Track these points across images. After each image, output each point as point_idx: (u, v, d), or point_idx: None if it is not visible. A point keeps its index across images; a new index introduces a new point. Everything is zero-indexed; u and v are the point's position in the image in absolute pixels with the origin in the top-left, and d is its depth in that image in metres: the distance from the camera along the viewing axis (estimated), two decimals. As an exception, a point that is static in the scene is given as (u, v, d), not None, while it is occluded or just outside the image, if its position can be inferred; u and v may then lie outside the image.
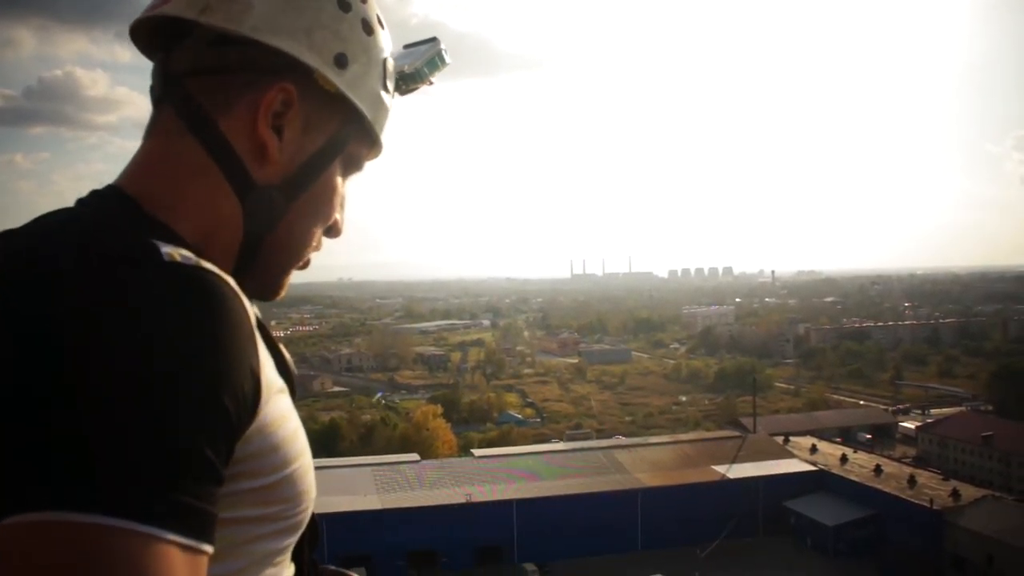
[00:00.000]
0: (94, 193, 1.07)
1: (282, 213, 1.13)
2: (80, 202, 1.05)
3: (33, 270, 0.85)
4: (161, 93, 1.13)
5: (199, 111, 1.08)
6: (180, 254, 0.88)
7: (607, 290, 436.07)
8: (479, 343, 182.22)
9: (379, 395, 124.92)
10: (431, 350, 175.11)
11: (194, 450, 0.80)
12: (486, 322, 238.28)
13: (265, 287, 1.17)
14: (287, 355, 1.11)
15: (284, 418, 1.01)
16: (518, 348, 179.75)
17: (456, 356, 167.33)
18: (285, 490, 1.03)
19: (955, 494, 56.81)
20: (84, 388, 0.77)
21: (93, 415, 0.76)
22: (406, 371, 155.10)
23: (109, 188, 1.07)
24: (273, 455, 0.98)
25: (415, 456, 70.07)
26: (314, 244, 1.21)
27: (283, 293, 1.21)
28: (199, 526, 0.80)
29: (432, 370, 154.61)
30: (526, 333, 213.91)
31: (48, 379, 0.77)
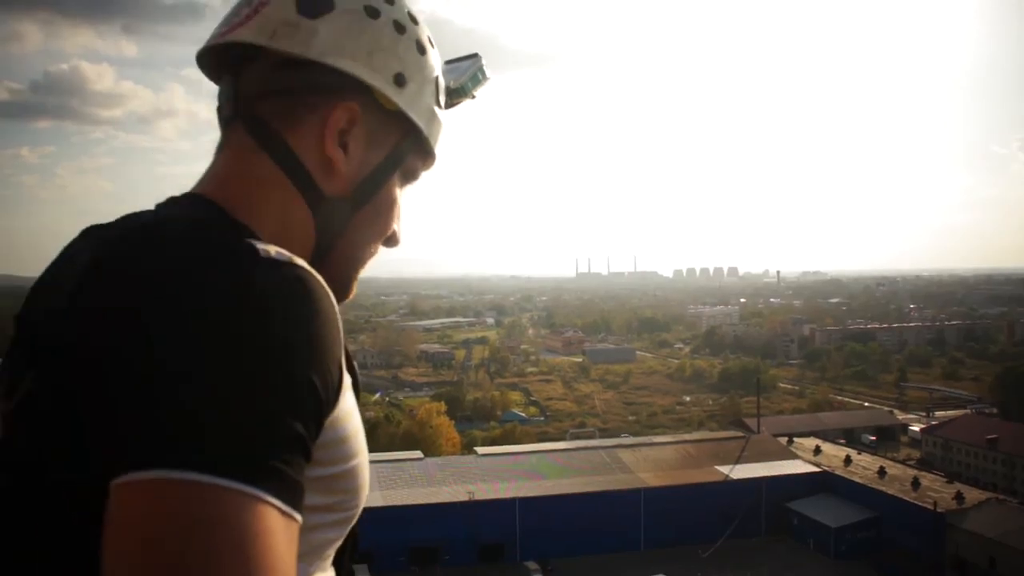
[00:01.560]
0: (173, 199, 1.17)
1: (349, 222, 1.24)
2: (162, 206, 1.16)
3: (147, 264, 0.95)
4: (231, 112, 1.22)
5: (270, 130, 1.18)
6: (275, 250, 0.98)
7: (612, 289, 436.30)
8: (483, 341, 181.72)
9: (378, 395, 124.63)
10: (435, 347, 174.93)
11: (291, 424, 0.89)
12: (490, 320, 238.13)
13: (334, 290, 1.15)
14: (352, 355, 1.15)
15: (352, 412, 1.08)
16: (522, 346, 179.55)
17: (460, 353, 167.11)
18: (348, 481, 1.10)
19: (959, 497, 56.71)
20: (196, 361, 0.86)
21: (204, 384, 0.86)
22: (410, 368, 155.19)
23: (190, 195, 1.17)
24: (343, 446, 1.05)
25: (418, 454, 70.02)
26: (374, 251, 1.33)
27: (352, 295, 1.33)
28: (293, 495, 0.88)
29: (436, 367, 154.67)
30: (530, 331, 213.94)
31: (166, 352, 0.87)
